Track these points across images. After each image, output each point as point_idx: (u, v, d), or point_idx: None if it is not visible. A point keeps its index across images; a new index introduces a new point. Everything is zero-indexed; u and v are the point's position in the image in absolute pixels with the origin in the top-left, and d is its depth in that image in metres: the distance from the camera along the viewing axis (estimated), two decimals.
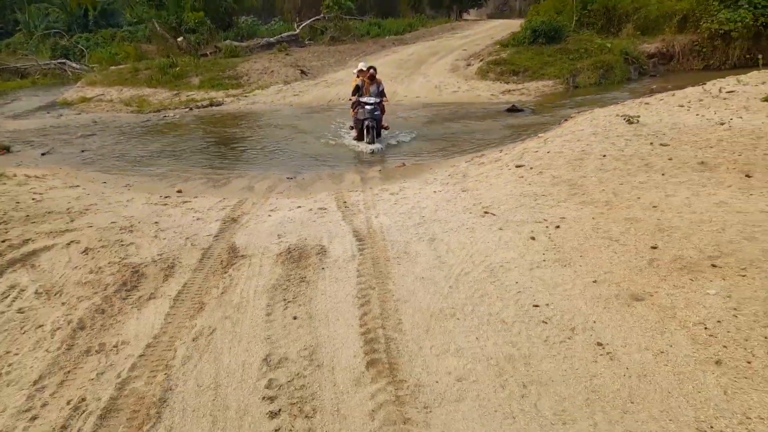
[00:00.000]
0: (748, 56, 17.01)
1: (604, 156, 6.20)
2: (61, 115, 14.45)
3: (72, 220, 5.23)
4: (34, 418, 2.38)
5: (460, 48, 20.61)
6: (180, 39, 22.62)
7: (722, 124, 7.68)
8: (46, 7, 47.20)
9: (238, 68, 17.48)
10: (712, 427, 2.06)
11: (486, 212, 4.57)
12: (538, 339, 2.68)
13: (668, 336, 2.64)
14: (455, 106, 12.90)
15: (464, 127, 10.70)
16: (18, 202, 6.00)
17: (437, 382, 2.42)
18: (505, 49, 17.39)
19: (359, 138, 9.39)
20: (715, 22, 17.16)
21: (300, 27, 26.06)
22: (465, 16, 54.28)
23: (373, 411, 2.25)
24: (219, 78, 16.61)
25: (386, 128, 9.70)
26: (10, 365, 2.79)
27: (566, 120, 9.60)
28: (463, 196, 5.26)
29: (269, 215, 5.10)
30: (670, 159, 5.94)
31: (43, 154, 9.57)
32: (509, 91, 14.25)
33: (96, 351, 2.86)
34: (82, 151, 9.79)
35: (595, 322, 2.80)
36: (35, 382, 2.62)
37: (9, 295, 3.60)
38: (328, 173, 7.61)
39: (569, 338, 2.67)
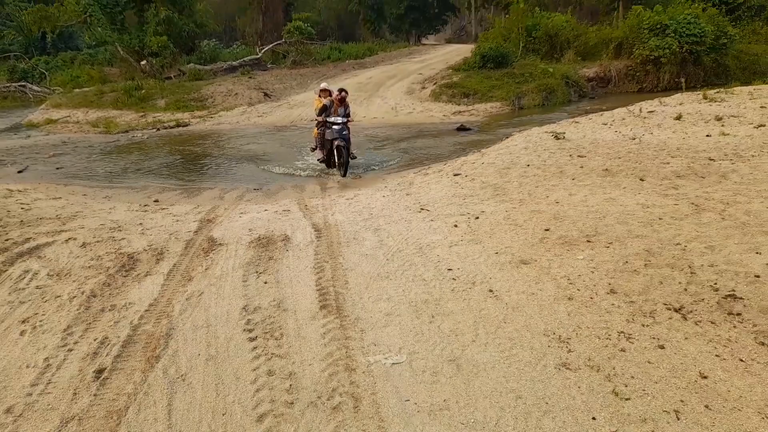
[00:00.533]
0: (676, 80, 18.94)
1: (528, 165, 7.37)
2: (29, 136, 14.96)
3: (64, 224, 6.00)
4: (70, 350, 3.22)
5: (416, 72, 22.01)
6: (143, 62, 23.31)
7: (634, 139, 9.03)
8: (1, 29, 46.72)
9: (202, 91, 18.33)
10: (553, 332, 3.08)
11: (422, 209, 5.60)
12: (448, 289, 3.69)
13: (540, 285, 3.69)
14: (410, 126, 14.09)
15: (417, 144, 11.84)
16: (9, 211, 6.70)
17: (371, 316, 3.39)
18: (457, 73, 18.83)
19: (326, 160, 9.35)
20: (646, 48, 19.05)
21: (262, 51, 27.09)
22: (423, 40, 56.56)
23: (323, 334, 3.20)
24: (184, 100, 17.42)
25: (354, 157, 9.51)
26: (41, 321, 3.61)
27: (507, 137, 10.84)
28: (406, 198, 6.29)
29: (240, 216, 6.01)
30: (582, 167, 7.13)
31: (19, 172, 10.17)
32: (460, 112, 15.57)
33: (109, 309, 3.71)
34: (57, 168, 10.45)
35: (490, 278, 3.83)
36: (65, 330, 3.45)
37: (25, 277, 4.39)
38: (291, 185, 8.55)
39: (470, 288, 3.69)
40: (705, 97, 13.21)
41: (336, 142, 8.98)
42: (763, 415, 2.32)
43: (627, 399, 2.46)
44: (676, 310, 3.22)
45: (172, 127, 14.80)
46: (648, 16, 19.63)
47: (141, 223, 5.89)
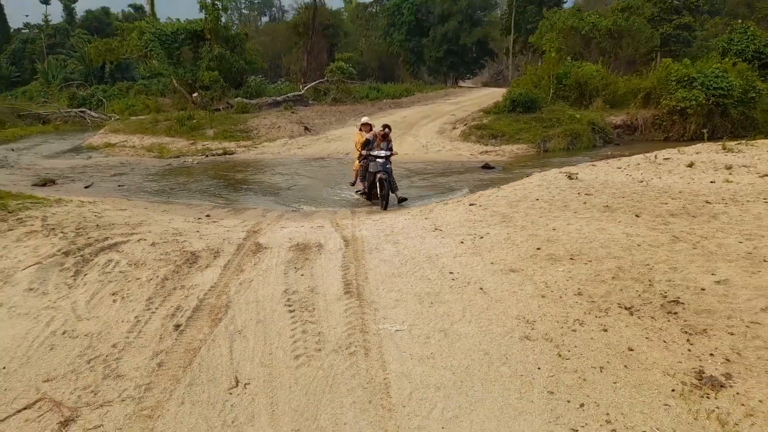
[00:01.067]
0: (702, 130, 19.58)
1: (537, 199, 8.28)
2: (90, 157, 16.66)
3: (133, 228, 7.19)
4: (153, 312, 4.27)
5: (449, 113, 23.28)
6: (195, 95, 25.32)
7: (641, 182, 9.85)
8: (64, 58, 50.61)
9: (248, 123, 19.94)
10: (524, 317, 3.98)
11: (436, 229, 6.57)
12: (447, 286, 4.63)
13: (522, 286, 4.59)
14: (438, 163, 15.17)
15: (443, 179, 12.86)
16: (85, 217, 7.96)
17: (383, 301, 4.35)
18: (487, 116, 19.96)
19: (368, 193, 9.70)
20: (672, 99, 19.84)
21: (305, 88, 28.93)
22: (461, 83, 58.37)
23: (346, 309, 4.17)
24: (231, 131, 19.01)
25: (402, 198, 9.73)
26: (128, 294, 4.69)
27: (526, 176, 11.76)
28: (424, 221, 7.27)
29: (281, 229, 7.09)
30: (585, 203, 8.00)
31: (86, 187, 11.62)
32: (487, 152, 16.59)
33: (179, 288, 4.78)
34: (119, 186, 11.87)
35: (482, 280, 4.75)
36: (147, 300, 4.52)
37: (110, 264, 5.52)
38: (325, 209, 9.65)
39: (465, 286, 4.62)
40: (724, 148, 13.90)
41: (379, 175, 9.23)
42: (666, 373, 3.16)
43: (567, 359, 3.34)
44: (626, 308, 4.07)
45: (219, 155, 16.27)
46: (676, 69, 20.51)
47: (198, 231, 7.02)
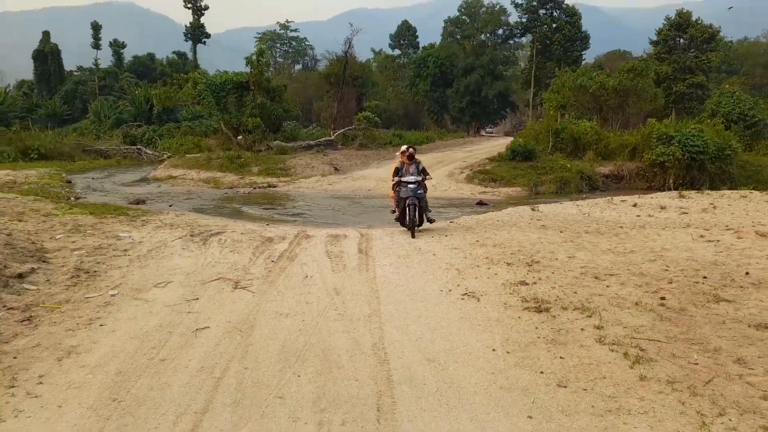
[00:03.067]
0: (680, 181, 23.24)
1: (497, 221, 12.22)
2: (159, 186, 21.21)
3: (223, 228, 11.32)
4: (257, 257, 8.33)
5: (461, 159, 27.48)
6: (240, 137, 30.14)
7: (585, 214, 13.72)
8: (114, 99, 56.77)
9: (286, 162, 24.43)
10: (450, 263, 7.91)
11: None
12: (414, 253, 8.58)
13: (456, 254, 8.51)
14: (443, 199, 19.18)
15: (444, 210, 16.85)
16: (186, 221, 12.16)
17: (378, 256, 8.32)
18: (491, 163, 24.04)
19: (401, 219, 10.48)
20: (653, 153, 23.65)
21: (335, 134, 33.63)
22: (482, 132, 63.09)
23: (359, 258, 8.16)
24: (272, 168, 23.49)
25: (431, 219, 10.73)
26: (240, 251, 8.76)
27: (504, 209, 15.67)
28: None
29: (320, 230, 11.15)
30: (530, 224, 11.92)
31: (170, 206, 15.92)
32: (485, 192, 20.59)
33: (267, 250, 8.83)
34: (193, 207, 16.17)
35: (436, 251, 8.70)
36: (251, 253, 8.59)
37: (221, 240, 9.62)
38: (350, 224, 13.73)
39: (424, 253, 8.57)
40: (680, 195, 17.69)
41: (407, 201, 9.90)
42: (507, 279, 7.03)
43: (462, 274, 7.25)
44: (506, 264, 7.96)
45: (264, 188, 20.65)
46: (657, 128, 24.43)
47: (266, 229, 11.14)
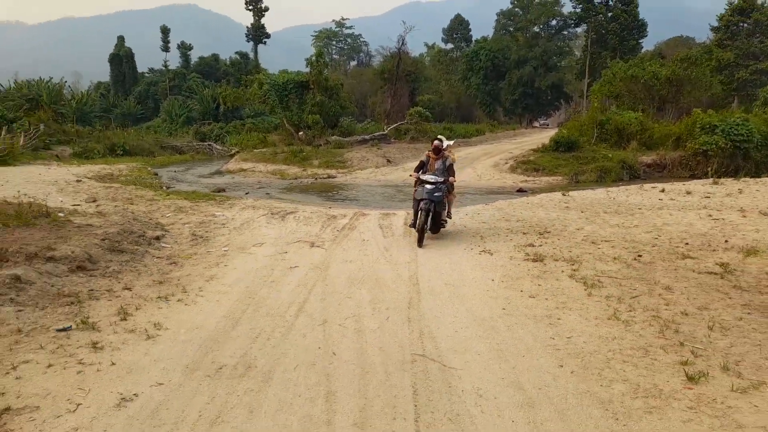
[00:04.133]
0: (723, 169, 24.21)
1: (527, 203, 14.21)
2: (233, 177, 24.22)
3: (295, 208, 13.88)
4: (325, 228, 10.78)
5: (507, 151, 29.27)
6: (301, 133, 33.02)
7: (612, 198, 15.46)
8: (183, 99, 61.25)
9: (344, 156, 27.02)
10: (476, 230, 10.09)
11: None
12: (452, 223, 10.82)
13: (483, 224, 10.67)
14: (486, 188, 21.18)
15: (485, 197, 18.87)
16: (263, 204, 14.81)
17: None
18: (535, 154, 25.75)
19: (413, 222, 9.41)
20: (696, 143, 24.70)
21: (388, 129, 36.00)
22: (535, 123, 63.90)
23: (404, 229, 10.46)
24: (331, 161, 26.11)
25: (445, 221, 9.69)
26: (312, 224, 11.25)
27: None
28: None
29: (373, 211, 13.51)
30: (556, 206, 13.84)
31: (246, 193, 18.71)
32: (527, 181, 22.41)
33: (332, 224, 11.28)
34: (266, 193, 18.91)
35: (470, 220, 10.88)
36: (320, 226, 11.05)
37: (296, 217, 12.14)
38: (398, 208, 16.05)
39: (458, 220, 10.79)
40: (715, 182, 18.99)
41: (420, 204, 8.90)
42: (518, 243, 9.16)
43: (485, 242, 9.43)
44: (523, 233, 10.05)
45: (324, 178, 23.29)
46: (701, 117, 25.41)
47: (329, 210, 13.60)
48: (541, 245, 9.04)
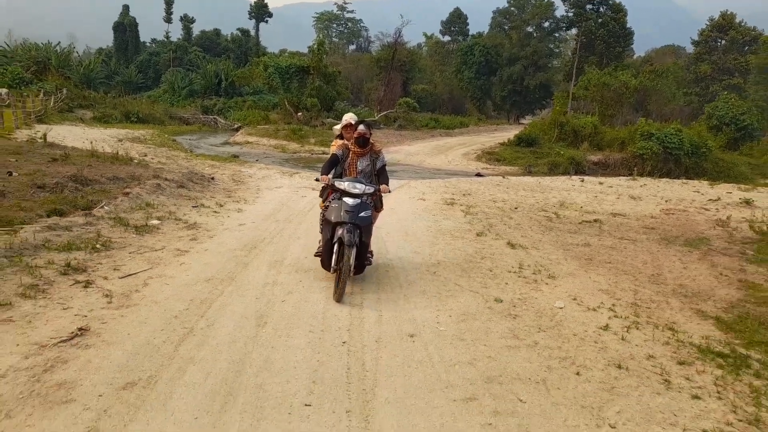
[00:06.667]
0: (657, 171, 30.26)
1: (471, 181, 20.11)
2: (241, 148, 29.91)
3: (297, 171, 19.65)
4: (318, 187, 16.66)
5: (481, 143, 35.16)
6: (299, 114, 38.69)
7: (538, 182, 21.46)
8: (186, 71, 66.37)
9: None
10: (421, 195, 15.98)
11: (421, 198, 18.62)
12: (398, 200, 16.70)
13: (434, 196, 16.55)
14: (451, 171, 27.04)
15: (448, 176, 24.72)
16: (273, 167, 20.58)
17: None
18: (500, 147, 31.64)
19: (326, 260, 6.13)
20: (635, 147, 30.73)
21: (379, 115, 41.79)
22: (522, 120, 69.88)
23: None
24: (326, 140, 31.78)
25: (371, 253, 6.70)
26: (310, 183, 17.08)
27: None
28: (409, 185, 19.31)
29: None
30: (489, 183, 19.78)
31: (256, 160, 24.41)
32: (487, 168, 28.30)
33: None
34: (272, 161, 24.63)
35: (414, 190, 16.76)
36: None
37: (300, 176, 17.92)
38: None
39: (415, 196, 16.68)
40: (633, 179, 24.99)
41: (339, 232, 5.84)
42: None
43: (425, 197, 15.32)
44: (452, 194, 15.93)
45: (320, 154, 29.05)
46: (642, 126, 31.45)
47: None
48: (458, 199, 14.91)
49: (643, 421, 3.91)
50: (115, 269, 6.62)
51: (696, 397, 4.33)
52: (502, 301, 6.34)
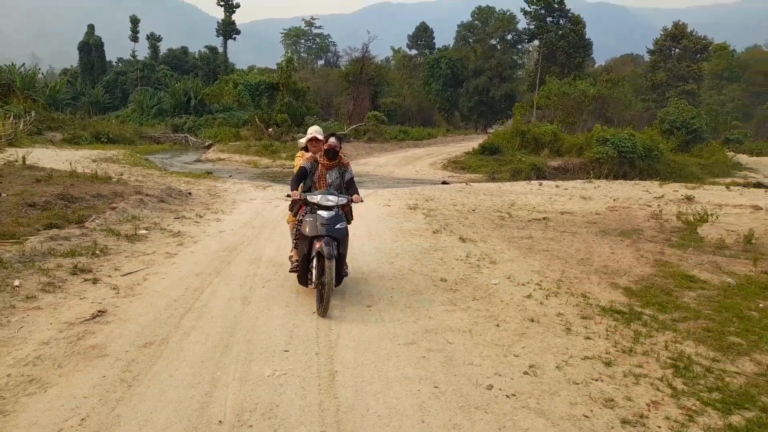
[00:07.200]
0: (613, 174, 32.13)
1: (435, 188, 21.54)
2: (214, 165, 30.94)
3: (269, 184, 20.84)
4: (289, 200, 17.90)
5: (447, 153, 36.73)
6: (270, 129, 39.84)
7: (498, 187, 23.01)
8: (154, 90, 67.00)
9: None
10: (388, 198, 17.32)
11: (387, 205, 19.96)
12: (370, 205, 18.02)
13: (398, 200, 17.90)
14: (418, 180, 28.46)
15: (414, 185, 26.12)
16: (246, 182, 21.73)
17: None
18: (465, 156, 33.22)
19: (302, 275, 6.36)
20: (591, 152, 32.61)
21: (348, 129, 43.18)
22: (489, 130, 72.05)
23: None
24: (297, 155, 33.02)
25: (346, 265, 6.71)
26: (282, 195, 18.29)
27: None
28: (380, 192, 20.63)
29: None
30: (452, 189, 21.23)
31: (230, 176, 25.48)
32: (453, 176, 29.80)
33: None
34: (245, 176, 25.73)
35: (384, 197, 18.10)
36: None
37: (273, 189, 19.12)
38: None
39: (383, 201, 18.02)
40: (589, 181, 26.72)
41: (317, 246, 5.92)
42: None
43: (390, 203, 16.66)
44: (415, 200, 17.30)
45: (291, 168, 30.15)
46: (597, 132, 33.38)
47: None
48: (421, 204, 16.26)
49: (541, 352, 5.26)
50: (116, 269, 7.78)
51: (588, 338, 5.70)
52: (446, 281, 7.68)
